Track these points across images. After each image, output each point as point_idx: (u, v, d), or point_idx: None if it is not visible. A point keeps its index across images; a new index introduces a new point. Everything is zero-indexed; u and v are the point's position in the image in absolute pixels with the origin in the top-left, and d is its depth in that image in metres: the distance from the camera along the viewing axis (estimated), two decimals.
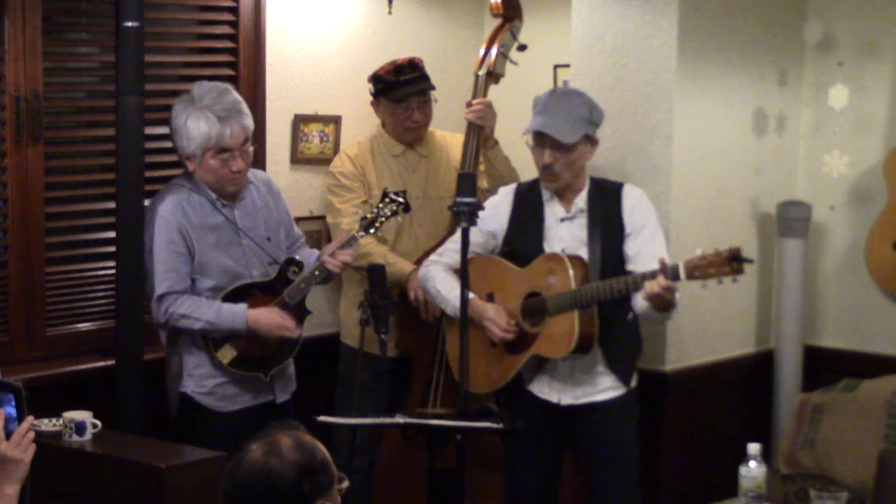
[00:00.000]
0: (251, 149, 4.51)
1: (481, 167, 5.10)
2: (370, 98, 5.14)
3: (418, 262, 4.97)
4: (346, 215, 4.98)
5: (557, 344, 4.33)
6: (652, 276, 4.10)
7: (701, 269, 4.02)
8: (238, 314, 4.41)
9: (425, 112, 5.11)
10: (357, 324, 4.95)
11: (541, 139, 4.37)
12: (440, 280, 4.53)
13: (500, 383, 4.53)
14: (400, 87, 5.03)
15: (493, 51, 5.05)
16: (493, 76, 5.08)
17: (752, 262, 4.01)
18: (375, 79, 5.06)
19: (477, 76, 5.07)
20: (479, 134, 5.02)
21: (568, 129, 4.34)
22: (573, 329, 4.27)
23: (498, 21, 5.13)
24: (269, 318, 4.43)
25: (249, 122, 4.47)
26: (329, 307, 5.33)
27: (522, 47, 5.11)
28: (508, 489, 4.63)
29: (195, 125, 4.38)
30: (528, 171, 4.86)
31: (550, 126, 4.33)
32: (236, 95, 4.49)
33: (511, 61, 5.10)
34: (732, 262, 3.97)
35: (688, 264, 4.04)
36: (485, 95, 5.05)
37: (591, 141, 4.43)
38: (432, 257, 4.67)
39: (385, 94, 5.06)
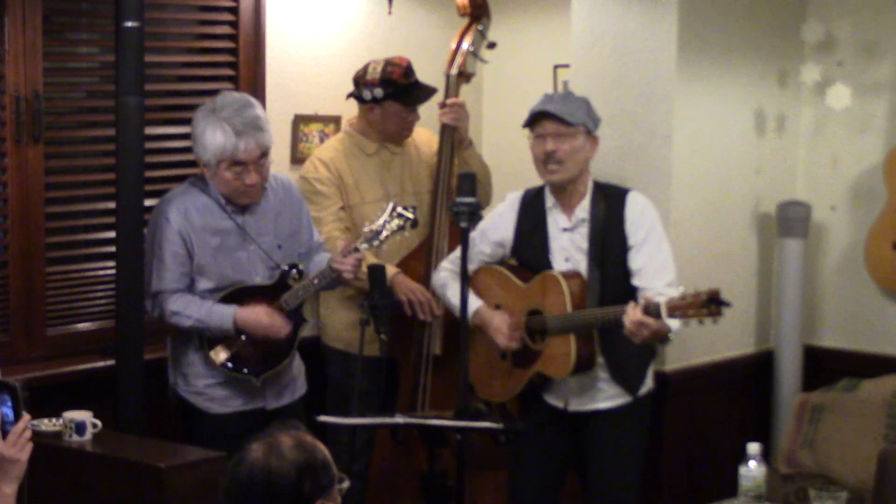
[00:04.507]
0: (269, 163, 4.48)
1: (456, 164, 5.10)
2: (366, 100, 5.00)
3: (400, 265, 4.96)
4: (326, 223, 4.91)
5: (557, 365, 4.33)
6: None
7: (681, 310, 3.95)
8: (227, 314, 4.41)
9: (417, 115, 5.10)
10: (344, 327, 4.98)
11: (540, 130, 4.34)
12: (454, 292, 4.46)
13: (509, 396, 4.54)
14: (413, 90, 4.99)
15: (463, 48, 5.05)
16: (464, 76, 5.07)
17: (730, 306, 3.95)
18: (386, 83, 4.95)
19: (448, 76, 5.05)
20: (454, 135, 5.01)
21: (568, 111, 4.31)
22: (570, 353, 4.28)
23: (465, 20, 5.11)
24: (256, 318, 4.42)
25: (267, 138, 4.42)
26: (311, 309, 5.25)
27: (492, 45, 5.10)
28: (510, 493, 4.63)
29: (212, 135, 4.37)
30: (519, 168, 4.86)
31: (552, 107, 4.31)
32: (258, 111, 4.45)
33: (481, 60, 5.09)
34: (710, 304, 3.90)
35: (669, 304, 3.97)
36: (457, 95, 5.04)
37: (592, 137, 4.39)
38: (444, 263, 4.65)
39: (398, 98, 4.98)
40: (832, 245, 5.35)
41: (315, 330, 5.19)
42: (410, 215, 4.39)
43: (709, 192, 5.04)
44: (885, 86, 5.16)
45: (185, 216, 4.43)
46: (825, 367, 5.29)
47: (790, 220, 5.21)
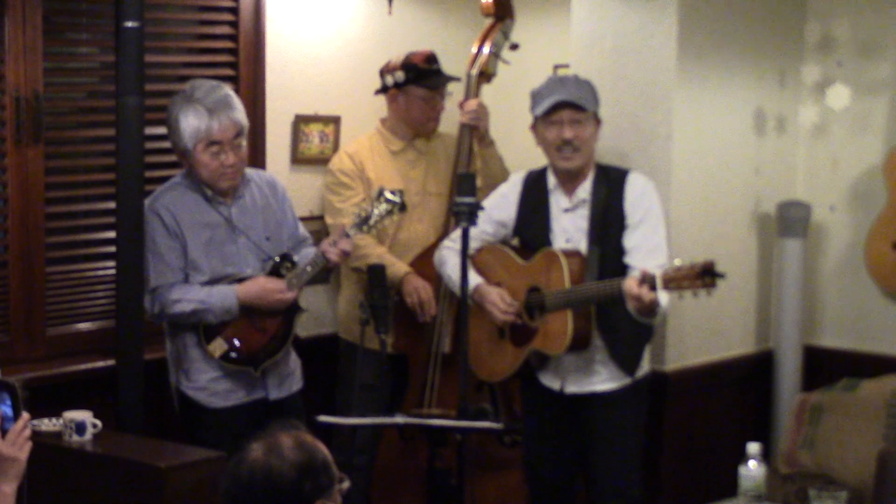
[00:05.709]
0: (244, 144, 4.51)
1: (478, 164, 5.11)
2: (389, 88, 5.07)
3: (413, 264, 4.99)
4: (347, 214, 4.95)
5: (554, 341, 4.36)
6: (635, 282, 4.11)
7: (676, 281, 4.01)
8: (227, 291, 4.43)
9: (443, 104, 5.14)
10: (353, 318, 5.01)
11: (556, 117, 4.37)
12: (453, 266, 4.52)
13: (506, 374, 4.56)
14: (435, 74, 5.04)
15: (485, 50, 5.07)
16: (486, 76, 5.10)
17: (724, 277, 3.98)
18: (408, 67, 5.02)
19: (469, 76, 5.09)
20: (473, 134, 5.04)
21: (583, 96, 4.37)
22: (566, 328, 4.30)
23: (489, 21, 5.14)
24: (256, 285, 4.44)
25: (240, 116, 4.47)
26: (329, 306, 5.33)
27: (514, 46, 5.13)
28: (527, 479, 4.65)
29: (185, 119, 4.42)
30: (518, 168, 4.86)
31: (570, 95, 4.35)
32: (228, 91, 4.51)
33: (504, 61, 5.12)
34: (704, 275, 3.95)
35: (664, 275, 4.03)
36: (477, 95, 5.06)
37: (597, 120, 4.45)
38: (447, 242, 4.69)
39: (418, 82, 5.03)
40: (832, 245, 5.35)
41: (332, 327, 5.28)
42: (397, 199, 4.43)
43: (709, 191, 5.05)
44: (885, 86, 5.16)
45: (174, 212, 4.47)
46: (825, 367, 5.29)
47: (790, 220, 5.21)
